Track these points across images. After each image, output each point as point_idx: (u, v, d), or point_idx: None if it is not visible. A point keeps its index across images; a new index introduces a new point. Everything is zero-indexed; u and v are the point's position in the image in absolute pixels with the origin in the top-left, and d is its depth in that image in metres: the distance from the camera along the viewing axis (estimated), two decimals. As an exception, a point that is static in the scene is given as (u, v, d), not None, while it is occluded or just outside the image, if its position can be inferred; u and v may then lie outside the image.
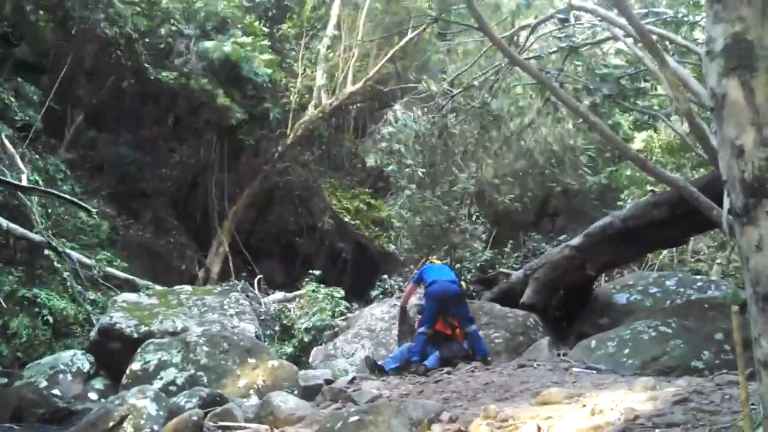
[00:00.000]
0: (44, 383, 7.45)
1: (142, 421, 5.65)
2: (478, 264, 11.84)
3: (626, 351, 7.08)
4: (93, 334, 8.67)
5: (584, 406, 4.63)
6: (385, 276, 12.86)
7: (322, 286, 11.71)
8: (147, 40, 13.09)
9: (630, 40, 8.07)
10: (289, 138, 15.62)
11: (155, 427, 5.67)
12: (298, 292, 12.23)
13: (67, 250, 10.40)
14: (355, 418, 4.60)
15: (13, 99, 11.26)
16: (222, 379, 7.23)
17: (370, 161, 14.13)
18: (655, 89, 9.46)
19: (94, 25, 11.88)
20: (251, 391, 7.12)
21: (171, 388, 6.98)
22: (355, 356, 8.99)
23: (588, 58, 9.25)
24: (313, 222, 18.02)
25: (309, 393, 7.04)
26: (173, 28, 13.23)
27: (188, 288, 10.22)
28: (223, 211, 15.99)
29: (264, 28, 15.50)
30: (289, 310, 11.25)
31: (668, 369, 6.57)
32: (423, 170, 11.53)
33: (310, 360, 9.22)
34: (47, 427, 7.03)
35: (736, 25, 2.44)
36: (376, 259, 16.53)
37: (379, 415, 4.57)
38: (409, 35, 15.41)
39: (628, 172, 13.87)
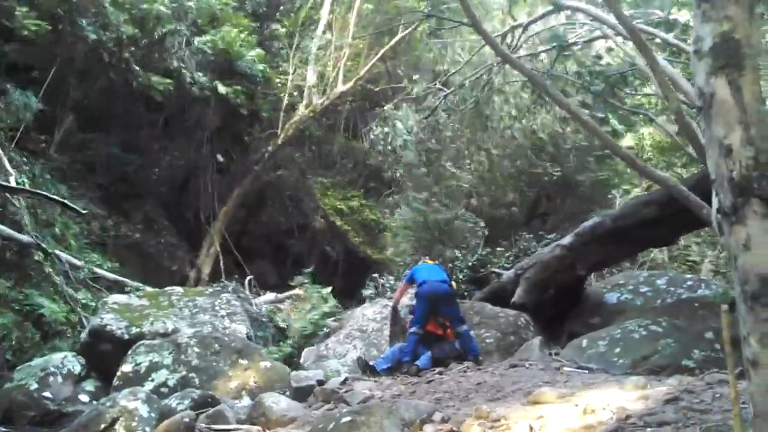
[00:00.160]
0: (35, 385, 7.39)
1: (134, 423, 5.63)
2: (470, 264, 11.86)
3: (617, 350, 7.10)
4: (84, 335, 8.62)
5: (576, 405, 4.64)
6: (376, 275, 12.86)
7: (318, 286, 11.69)
8: (139, 44, 13.03)
9: (620, 39, 8.10)
10: (280, 138, 15.60)
11: (147, 429, 5.64)
12: (289, 293, 12.21)
13: (57, 252, 10.34)
14: (347, 418, 4.60)
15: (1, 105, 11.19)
16: (213, 380, 7.21)
17: (371, 161, 14.19)
18: (643, 88, 9.50)
19: (84, 32, 11.82)
20: (243, 392, 7.09)
21: (162, 389, 6.95)
22: (347, 357, 8.98)
23: (580, 57, 9.28)
24: (305, 222, 18.00)
25: (301, 394, 7.02)
26: (164, 29, 13.18)
27: (179, 289, 10.17)
28: (214, 211, 15.94)
29: (253, 24, 15.47)
30: (282, 311, 11.22)
31: (659, 368, 6.59)
32: (423, 170, 11.60)
33: (302, 361, 9.20)
34: (38, 429, 6.97)
35: (724, 24, 2.45)
36: (366, 260, 16.54)
37: (371, 415, 4.57)
38: (400, 34, 15.41)
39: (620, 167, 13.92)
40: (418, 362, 7.91)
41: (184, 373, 7.23)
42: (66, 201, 10.22)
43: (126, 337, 8.13)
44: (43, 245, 10.09)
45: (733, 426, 3.02)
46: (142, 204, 15.10)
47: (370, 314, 9.82)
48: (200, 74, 13.53)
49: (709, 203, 5.73)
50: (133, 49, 12.87)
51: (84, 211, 11.00)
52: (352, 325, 9.70)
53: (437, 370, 7.68)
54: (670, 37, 7.95)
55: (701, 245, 12.93)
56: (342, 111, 17.90)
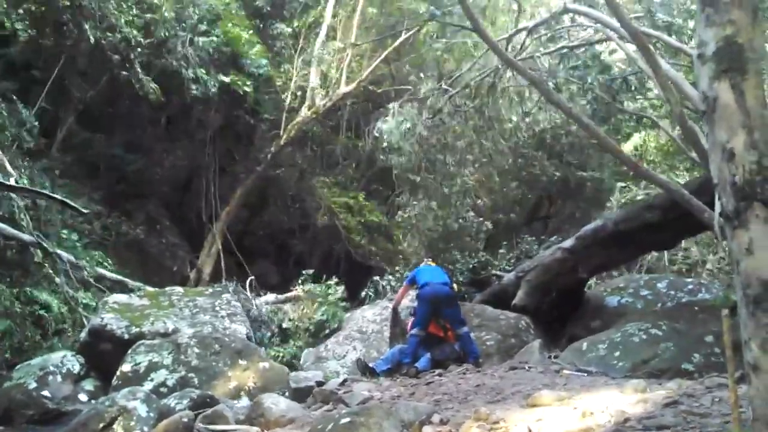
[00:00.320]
0: (34, 384, 7.38)
1: (133, 423, 5.63)
2: (470, 266, 11.86)
3: (617, 353, 7.10)
4: (83, 335, 8.61)
5: (575, 408, 4.64)
6: (377, 277, 12.86)
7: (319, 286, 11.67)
8: (142, 45, 13.03)
9: (624, 42, 8.10)
10: (283, 138, 15.59)
11: (145, 429, 5.64)
12: (290, 293, 12.18)
13: (57, 251, 10.34)
14: (346, 420, 4.59)
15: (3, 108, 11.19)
16: (213, 380, 7.20)
17: (374, 161, 14.20)
18: (647, 92, 9.51)
19: (87, 34, 11.84)
20: (242, 393, 7.09)
21: (162, 389, 6.94)
22: (346, 358, 8.98)
23: (584, 59, 9.29)
24: (307, 222, 17.98)
25: (300, 395, 7.02)
26: (167, 33, 13.18)
27: (180, 289, 10.17)
28: (216, 211, 15.94)
29: (255, 22, 15.49)
30: (284, 312, 11.18)
31: (659, 371, 6.59)
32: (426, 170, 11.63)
33: (302, 362, 9.20)
34: (37, 428, 6.96)
35: (727, 28, 2.45)
36: (368, 260, 16.53)
37: (370, 417, 4.56)
38: (404, 36, 15.41)
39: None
40: (417, 364, 7.91)
41: (183, 373, 7.23)
42: (67, 200, 10.20)
43: (126, 336, 8.12)
44: (44, 244, 10.08)
45: (732, 430, 3.02)
46: (144, 204, 15.10)
47: (370, 316, 9.81)
48: (203, 71, 13.53)
49: (712, 208, 5.75)
50: (138, 50, 12.86)
51: (86, 211, 10.98)
52: (352, 327, 9.69)
53: (437, 371, 7.68)
54: (673, 40, 7.96)
55: (699, 245, 12.92)
56: (345, 112, 17.89)
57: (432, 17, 8.41)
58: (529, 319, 9.25)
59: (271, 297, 12.02)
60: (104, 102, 14.45)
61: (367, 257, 15.86)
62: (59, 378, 7.62)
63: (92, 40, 11.79)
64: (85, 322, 9.29)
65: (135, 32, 12.57)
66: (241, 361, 7.49)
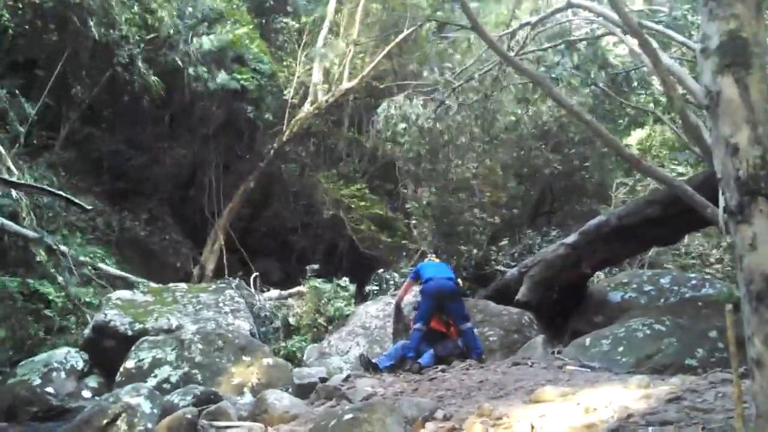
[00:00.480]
0: (38, 381, 7.40)
1: (136, 419, 5.63)
2: (474, 261, 11.84)
3: (620, 349, 7.09)
4: (87, 331, 8.62)
5: (578, 404, 4.64)
6: (381, 270, 12.86)
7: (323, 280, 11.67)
8: (144, 41, 13.04)
9: (627, 37, 8.08)
10: (285, 134, 15.59)
11: (149, 425, 5.65)
12: (294, 289, 12.18)
13: (60, 247, 10.36)
14: (350, 416, 4.60)
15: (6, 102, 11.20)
16: (216, 377, 7.21)
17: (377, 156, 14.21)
18: (651, 86, 9.49)
19: (91, 30, 11.85)
20: (245, 389, 7.10)
21: (165, 385, 6.95)
22: (349, 354, 8.98)
23: (587, 55, 9.27)
24: (309, 218, 17.98)
25: (303, 391, 7.03)
26: (169, 31, 13.17)
27: (183, 285, 10.17)
28: (218, 208, 15.94)
29: (257, 20, 15.47)
30: (289, 307, 11.16)
31: (662, 367, 6.58)
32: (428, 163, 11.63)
33: (305, 358, 9.20)
34: (40, 424, 6.98)
35: (731, 22, 2.44)
36: (372, 254, 16.53)
37: (373, 413, 4.57)
38: (406, 31, 15.37)
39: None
40: (421, 360, 7.92)
41: (186, 369, 7.24)
42: (70, 197, 10.21)
43: (129, 333, 8.13)
44: (48, 241, 10.09)
45: (735, 426, 3.01)
46: (146, 201, 15.11)
47: (373, 311, 9.81)
48: (204, 69, 13.52)
49: (715, 203, 5.74)
50: (141, 46, 12.86)
51: (89, 207, 10.99)
52: (355, 322, 9.69)
53: (440, 367, 7.69)
54: (677, 35, 7.93)
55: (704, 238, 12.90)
56: (347, 108, 17.88)
57: (430, 18, 8.39)
58: (532, 315, 9.24)
59: (274, 293, 12.03)
60: (107, 99, 14.47)
61: (373, 247, 15.81)
62: (63, 374, 7.63)
63: (96, 36, 11.80)
64: (89, 319, 9.32)
65: (135, 29, 12.57)
66: (244, 358, 7.50)
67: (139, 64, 12.76)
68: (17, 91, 11.47)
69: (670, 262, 12.98)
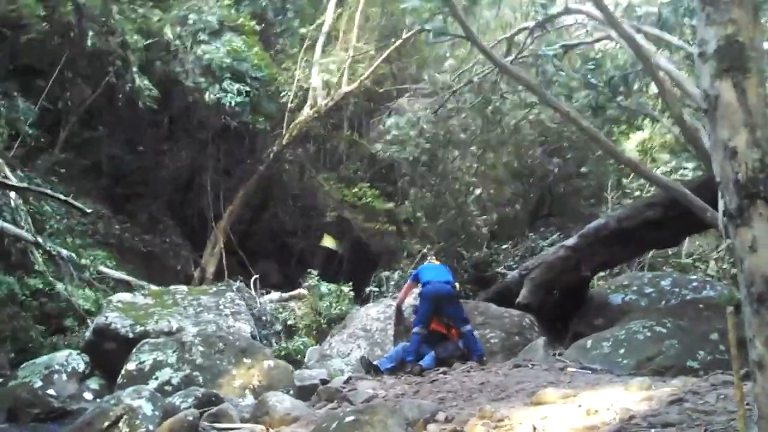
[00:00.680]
0: (39, 383, 7.42)
1: (138, 421, 5.66)
2: (475, 263, 11.86)
3: (621, 351, 7.10)
4: (88, 334, 8.64)
5: (579, 406, 4.65)
6: (381, 273, 12.87)
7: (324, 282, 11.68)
8: (142, 49, 13.06)
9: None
10: (285, 138, 15.58)
11: (150, 427, 5.67)
12: (294, 292, 12.20)
13: (60, 250, 10.37)
14: (351, 418, 4.61)
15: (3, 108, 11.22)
16: (217, 379, 7.23)
17: (377, 148, 14.20)
18: (647, 89, 9.50)
19: (89, 36, 11.90)
20: (247, 391, 7.12)
21: (166, 388, 6.97)
22: (350, 356, 8.98)
23: (584, 57, 9.29)
24: (309, 221, 17.98)
25: (305, 393, 7.04)
26: (168, 38, 13.19)
27: (184, 288, 10.19)
28: (218, 211, 15.93)
29: (257, 27, 15.47)
30: (290, 310, 11.18)
31: (663, 369, 6.60)
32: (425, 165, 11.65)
33: (306, 360, 9.21)
34: (42, 426, 6.99)
35: (728, 27, 2.46)
36: (373, 256, 16.51)
37: (374, 415, 4.58)
38: (405, 35, 15.39)
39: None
40: (422, 362, 7.92)
41: (188, 371, 7.26)
42: (70, 200, 10.22)
43: (130, 335, 8.15)
44: (46, 244, 10.10)
45: (737, 427, 3.03)
46: (146, 204, 15.12)
47: (374, 313, 9.82)
48: (202, 80, 13.51)
49: (714, 206, 5.76)
50: (137, 54, 12.88)
51: (89, 211, 11.00)
52: (356, 325, 9.70)
53: (441, 369, 7.69)
54: (675, 39, 7.95)
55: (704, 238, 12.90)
56: (346, 111, 17.88)
57: (423, 29, 8.39)
58: (533, 317, 9.25)
59: (275, 295, 12.04)
60: (106, 102, 14.47)
61: (379, 241, 15.76)
62: (64, 377, 7.65)
63: (89, 42, 11.84)
64: (89, 322, 9.33)
65: (135, 37, 12.58)
66: (245, 360, 7.52)
67: (134, 73, 12.77)
68: (15, 94, 11.48)
69: (667, 265, 12.99)
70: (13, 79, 12.13)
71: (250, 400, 6.88)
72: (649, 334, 7.21)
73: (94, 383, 7.85)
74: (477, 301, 10.12)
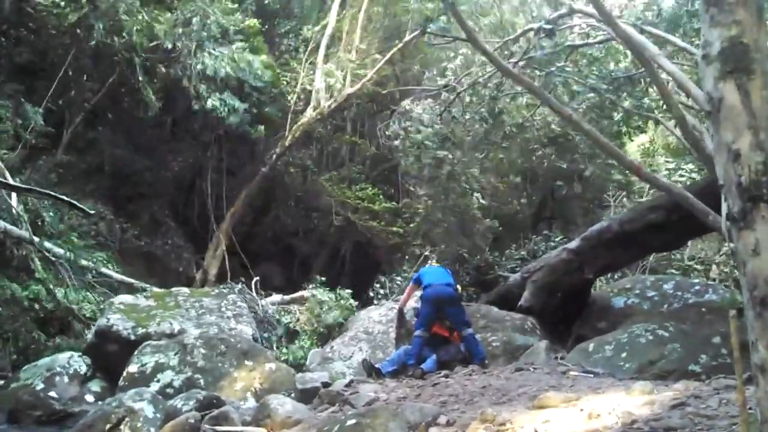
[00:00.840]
0: (41, 385, 7.41)
1: (139, 424, 5.65)
2: (477, 266, 11.87)
3: (624, 355, 7.08)
4: (90, 336, 8.64)
5: (581, 410, 4.63)
6: (383, 278, 12.87)
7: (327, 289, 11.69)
8: (147, 51, 13.09)
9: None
10: (288, 139, 15.60)
11: (152, 430, 5.67)
12: (296, 294, 12.19)
13: (57, 250, 10.37)
14: (353, 421, 4.60)
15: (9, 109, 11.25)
16: (219, 381, 7.21)
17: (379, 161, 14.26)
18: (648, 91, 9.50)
19: (94, 34, 11.92)
20: (248, 394, 7.09)
21: (168, 390, 6.96)
22: (352, 359, 8.98)
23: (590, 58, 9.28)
24: (312, 224, 18.01)
25: (306, 396, 7.02)
26: (172, 43, 13.21)
27: (185, 290, 10.18)
28: (220, 213, 15.96)
29: (262, 28, 15.50)
30: (292, 312, 11.18)
31: (665, 373, 6.58)
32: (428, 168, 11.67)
33: (308, 363, 9.20)
34: (43, 429, 6.98)
35: (732, 28, 2.44)
36: (376, 258, 16.52)
37: (376, 418, 4.57)
38: (408, 36, 15.41)
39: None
40: (423, 365, 7.90)
41: (189, 374, 7.24)
42: (73, 201, 10.23)
43: (132, 337, 8.14)
44: (43, 246, 10.10)
45: (740, 432, 3.01)
46: (149, 205, 15.14)
47: (376, 316, 9.81)
48: (204, 87, 13.51)
49: (716, 210, 5.74)
50: (143, 55, 12.91)
51: (91, 212, 11.00)
52: (358, 328, 9.69)
53: (442, 373, 7.67)
54: (679, 40, 7.95)
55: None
56: (349, 112, 17.91)
57: (425, 30, 8.37)
58: (535, 320, 9.23)
59: (276, 298, 12.03)
60: (109, 103, 14.51)
61: (382, 243, 15.76)
62: (66, 379, 7.64)
63: (95, 40, 11.86)
64: (91, 325, 9.34)
65: (141, 38, 12.60)
66: (247, 362, 7.50)
67: (139, 74, 12.79)
68: (22, 99, 11.51)
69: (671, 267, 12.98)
70: (17, 79, 12.16)
71: (251, 402, 6.86)
72: (651, 337, 7.19)
73: (95, 385, 7.83)
74: (479, 304, 10.11)
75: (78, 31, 12.16)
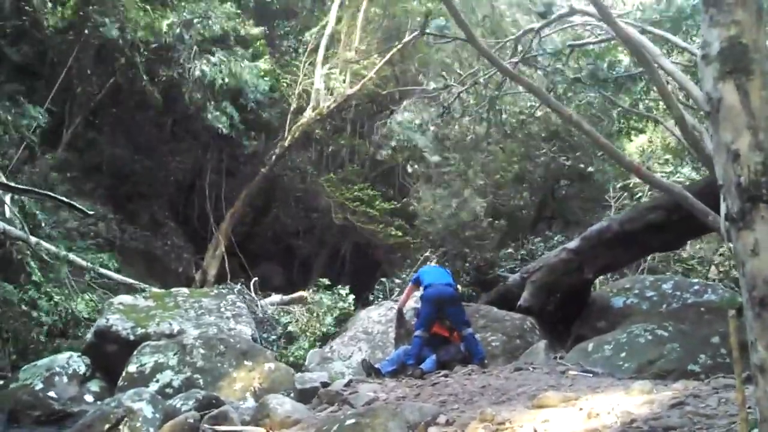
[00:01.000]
0: (40, 385, 7.41)
1: (138, 424, 5.66)
2: (478, 265, 11.87)
3: (623, 354, 7.08)
4: (89, 336, 8.64)
5: (581, 409, 4.63)
6: (384, 279, 12.86)
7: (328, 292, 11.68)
8: (149, 49, 13.09)
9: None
10: (287, 140, 15.60)
11: (151, 430, 5.67)
12: (295, 294, 12.18)
13: (50, 247, 10.36)
14: (352, 421, 4.60)
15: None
16: (218, 381, 7.22)
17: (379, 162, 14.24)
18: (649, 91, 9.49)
19: (104, 28, 11.94)
20: (247, 394, 7.10)
21: (167, 390, 6.97)
22: (351, 359, 8.97)
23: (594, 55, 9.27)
24: (312, 224, 18.00)
25: (305, 396, 7.02)
26: (170, 40, 13.22)
27: (185, 290, 10.18)
28: (220, 213, 15.96)
29: (262, 30, 15.51)
30: (291, 313, 11.16)
31: (665, 372, 6.58)
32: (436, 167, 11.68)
33: (307, 362, 9.20)
34: (43, 429, 6.99)
35: (732, 28, 2.45)
36: (376, 258, 16.52)
37: (375, 418, 4.57)
38: (407, 37, 15.41)
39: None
40: (423, 365, 7.90)
41: (188, 374, 7.25)
42: (72, 201, 10.23)
43: (131, 337, 8.14)
44: (40, 247, 10.10)
45: (739, 431, 3.01)
46: (148, 205, 15.15)
47: (376, 316, 9.81)
48: (198, 95, 13.51)
49: (716, 209, 5.74)
50: (145, 53, 12.91)
51: (90, 212, 11.00)
52: (358, 327, 9.69)
53: (442, 372, 7.67)
54: (679, 40, 7.95)
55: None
56: (349, 113, 17.91)
57: (424, 30, 8.35)
58: (534, 320, 9.23)
59: (276, 298, 12.02)
60: (110, 104, 14.51)
61: (381, 243, 15.75)
62: (65, 379, 7.64)
63: (112, 34, 11.88)
64: (90, 325, 9.33)
65: (147, 33, 12.59)
66: (246, 362, 7.51)
67: (141, 73, 12.79)
68: (21, 98, 11.50)
69: (672, 267, 12.97)
70: (18, 79, 12.16)
71: (250, 402, 6.87)
72: (650, 337, 7.19)
73: (94, 385, 7.84)
74: (478, 304, 10.10)
75: (80, 29, 12.15)
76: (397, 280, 12.41)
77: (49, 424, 7.05)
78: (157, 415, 5.87)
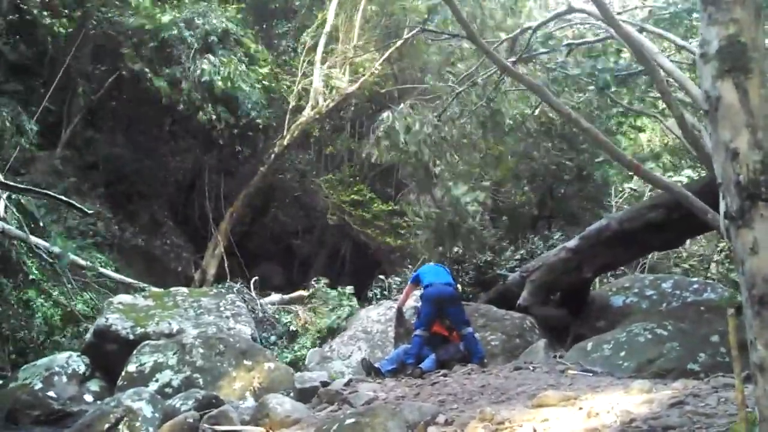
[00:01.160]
0: (39, 385, 7.40)
1: (138, 423, 5.66)
2: (477, 265, 11.83)
3: (622, 353, 7.08)
4: (88, 335, 8.63)
5: (580, 408, 4.63)
6: (382, 276, 12.84)
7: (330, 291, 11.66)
8: (148, 45, 13.10)
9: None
10: (286, 139, 15.60)
11: (150, 429, 5.67)
12: (294, 294, 12.17)
13: (46, 244, 10.35)
14: (351, 420, 4.60)
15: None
16: (218, 381, 7.21)
17: (375, 156, 14.22)
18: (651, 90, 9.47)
19: (106, 26, 11.98)
20: (247, 394, 7.10)
21: (167, 390, 6.96)
22: (351, 358, 8.97)
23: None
24: (311, 223, 18.00)
25: (305, 395, 7.01)
26: (169, 35, 13.23)
27: (184, 290, 10.17)
28: (219, 212, 15.96)
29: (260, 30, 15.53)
30: (291, 312, 11.14)
31: (664, 371, 6.57)
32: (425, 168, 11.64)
33: (307, 362, 9.19)
34: (42, 428, 6.98)
35: (730, 27, 2.44)
36: (375, 258, 16.52)
37: (375, 417, 4.57)
38: (406, 35, 15.40)
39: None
40: (422, 365, 7.90)
41: (188, 373, 7.24)
42: (71, 201, 10.22)
43: (131, 337, 8.13)
44: (45, 245, 10.09)
45: (738, 430, 3.01)
46: (148, 205, 15.14)
47: (375, 316, 9.81)
48: (197, 95, 13.51)
49: (715, 208, 5.74)
50: (144, 49, 12.92)
51: (90, 212, 11.00)
52: (357, 327, 9.68)
53: (441, 372, 7.67)
54: (678, 39, 7.94)
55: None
56: (347, 112, 17.90)
57: (424, 28, 8.35)
58: (534, 319, 9.23)
59: (275, 297, 12.01)
60: (109, 103, 14.50)
61: (378, 245, 15.77)
62: (65, 378, 7.63)
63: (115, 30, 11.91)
64: (89, 324, 9.33)
65: (145, 21, 12.62)
66: (245, 362, 7.50)
67: (144, 67, 12.79)
68: (15, 103, 11.50)
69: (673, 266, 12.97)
70: (17, 79, 12.15)
71: (250, 402, 6.87)
72: (650, 336, 7.19)
73: (94, 385, 7.83)
74: (478, 304, 10.10)
75: (80, 26, 12.18)
76: (397, 279, 12.39)
77: (48, 424, 7.05)
78: (157, 415, 5.87)
